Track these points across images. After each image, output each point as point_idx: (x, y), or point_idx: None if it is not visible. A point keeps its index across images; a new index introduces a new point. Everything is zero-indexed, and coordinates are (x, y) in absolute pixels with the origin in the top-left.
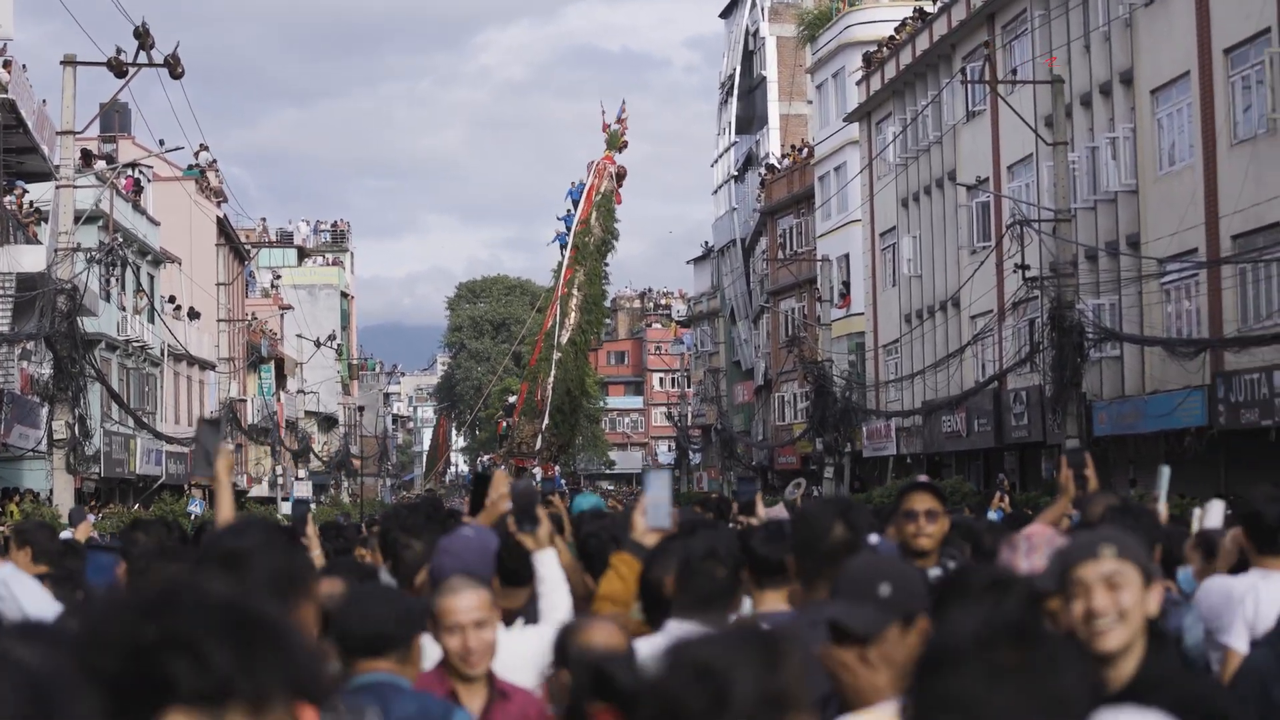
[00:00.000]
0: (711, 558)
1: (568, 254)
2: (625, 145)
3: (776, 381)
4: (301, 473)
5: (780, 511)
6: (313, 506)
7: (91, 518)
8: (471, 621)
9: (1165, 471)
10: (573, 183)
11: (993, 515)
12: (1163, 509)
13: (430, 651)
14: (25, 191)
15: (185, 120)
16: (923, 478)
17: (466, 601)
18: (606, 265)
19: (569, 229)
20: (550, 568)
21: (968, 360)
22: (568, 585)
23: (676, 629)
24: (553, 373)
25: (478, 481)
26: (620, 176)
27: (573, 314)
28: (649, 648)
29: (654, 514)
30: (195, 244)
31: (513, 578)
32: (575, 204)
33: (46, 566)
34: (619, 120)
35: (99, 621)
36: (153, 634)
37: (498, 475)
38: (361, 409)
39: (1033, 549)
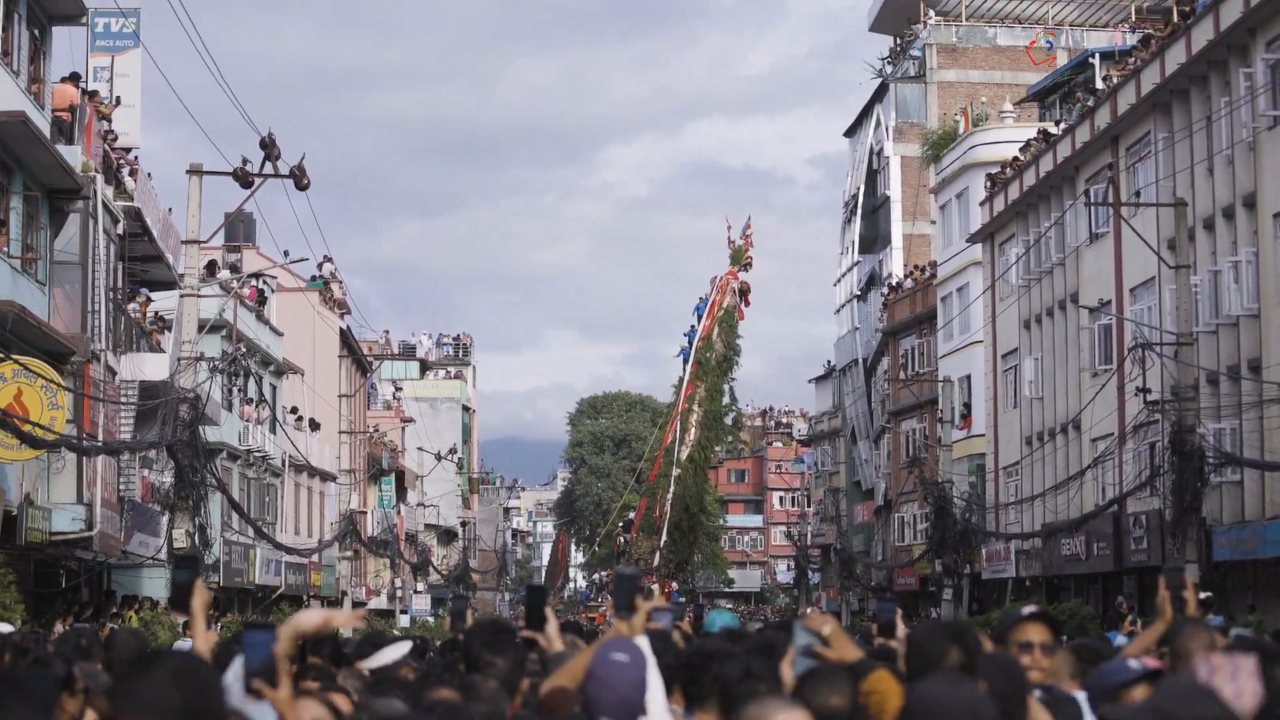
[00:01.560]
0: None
1: (689, 369)
2: (750, 262)
3: (896, 502)
4: (420, 586)
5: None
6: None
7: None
8: None
9: None
10: (700, 298)
11: (1122, 639)
12: None
13: None
14: (149, 300)
15: (309, 231)
16: (1030, 608)
17: None
18: (733, 379)
19: (692, 344)
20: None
21: (1088, 483)
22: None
23: None
24: (671, 489)
25: (530, 595)
26: (744, 292)
27: (693, 430)
28: None
29: (801, 666)
30: (318, 355)
31: None
32: (700, 319)
33: None
34: (744, 236)
35: None
36: None
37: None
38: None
39: (1238, 671)
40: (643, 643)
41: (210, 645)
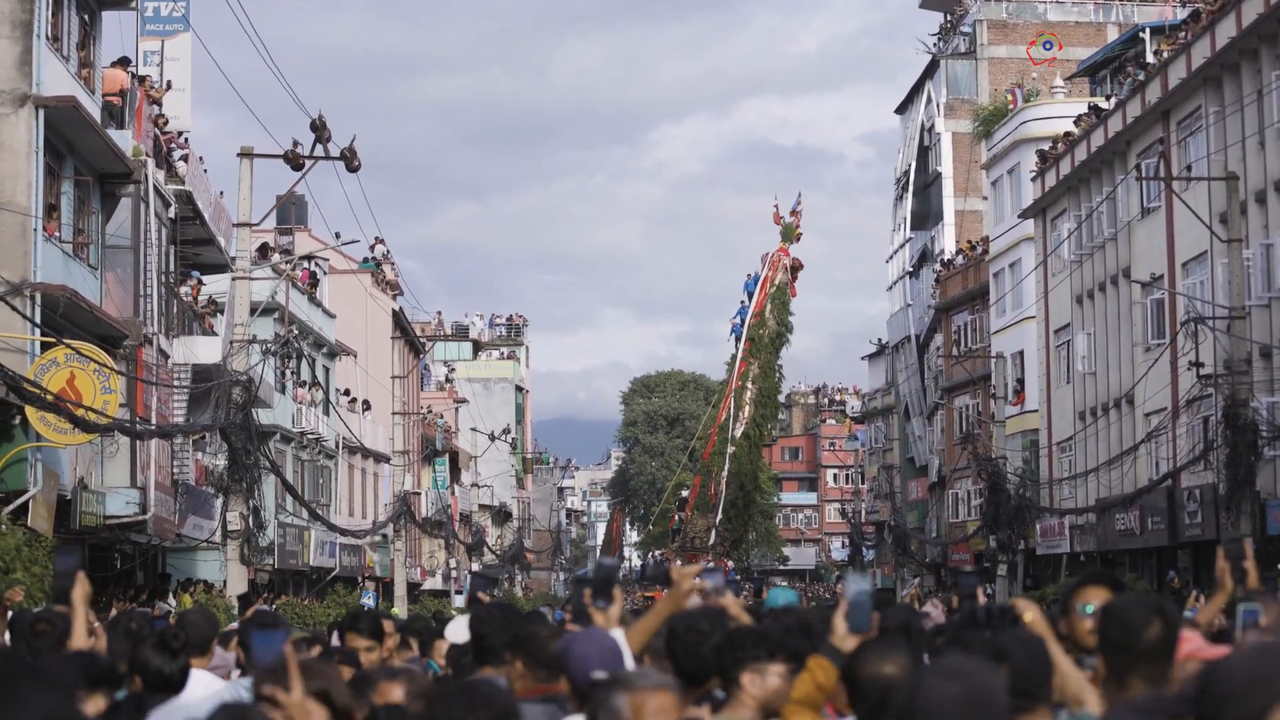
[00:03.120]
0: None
1: (742, 347)
2: (800, 236)
3: (950, 478)
4: (475, 566)
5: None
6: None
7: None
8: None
9: None
10: (749, 275)
11: (1187, 614)
12: None
13: None
14: (201, 283)
15: (361, 213)
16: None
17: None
18: (780, 359)
19: (744, 321)
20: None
21: (1141, 458)
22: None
23: None
24: (726, 466)
25: (601, 570)
26: (795, 269)
27: (747, 407)
28: None
29: (855, 618)
30: (371, 337)
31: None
32: (751, 296)
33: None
34: (793, 212)
35: None
36: None
37: (678, 570)
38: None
39: None
40: (615, 634)
41: (87, 639)
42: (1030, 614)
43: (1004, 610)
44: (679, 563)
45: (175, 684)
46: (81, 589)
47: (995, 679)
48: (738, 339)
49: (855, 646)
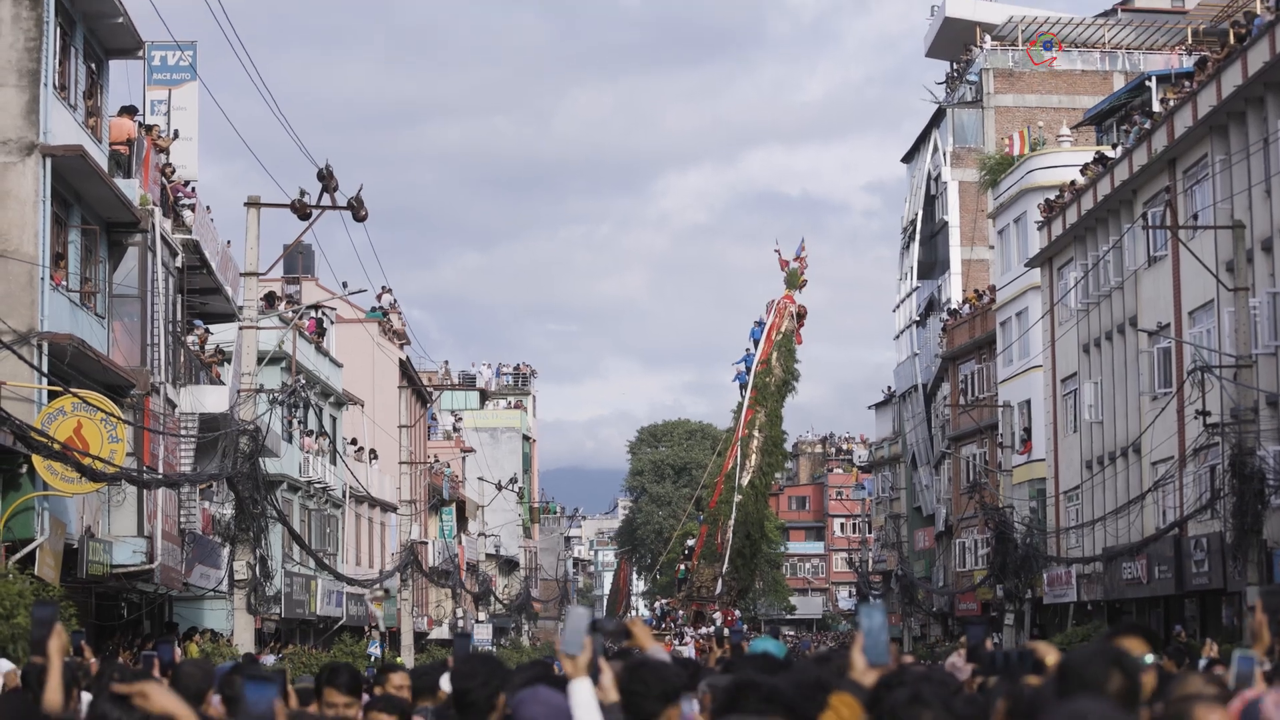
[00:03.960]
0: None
1: (748, 394)
2: (805, 283)
3: (957, 527)
4: (482, 615)
5: (960, 661)
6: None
7: (271, 658)
8: None
9: None
10: (755, 322)
11: (1202, 663)
12: None
13: None
14: (208, 332)
15: (368, 262)
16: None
17: None
18: (787, 405)
19: (749, 369)
20: (582, 695)
21: (1148, 506)
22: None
23: None
24: (733, 515)
25: (571, 623)
26: (801, 316)
27: (753, 455)
28: None
29: (872, 650)
30: (378, 386)
31: None
32: (756, 343)
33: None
34: (798, 258)
35: None
36: None
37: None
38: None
39: None
40: (582, 685)
41: (59, 693)
42: (1053, 657)
43: (1024, 655)
44: (680, 613)
45: None
46: (58, 640)
47: None
48: (743, 386)
49: (877, 680)
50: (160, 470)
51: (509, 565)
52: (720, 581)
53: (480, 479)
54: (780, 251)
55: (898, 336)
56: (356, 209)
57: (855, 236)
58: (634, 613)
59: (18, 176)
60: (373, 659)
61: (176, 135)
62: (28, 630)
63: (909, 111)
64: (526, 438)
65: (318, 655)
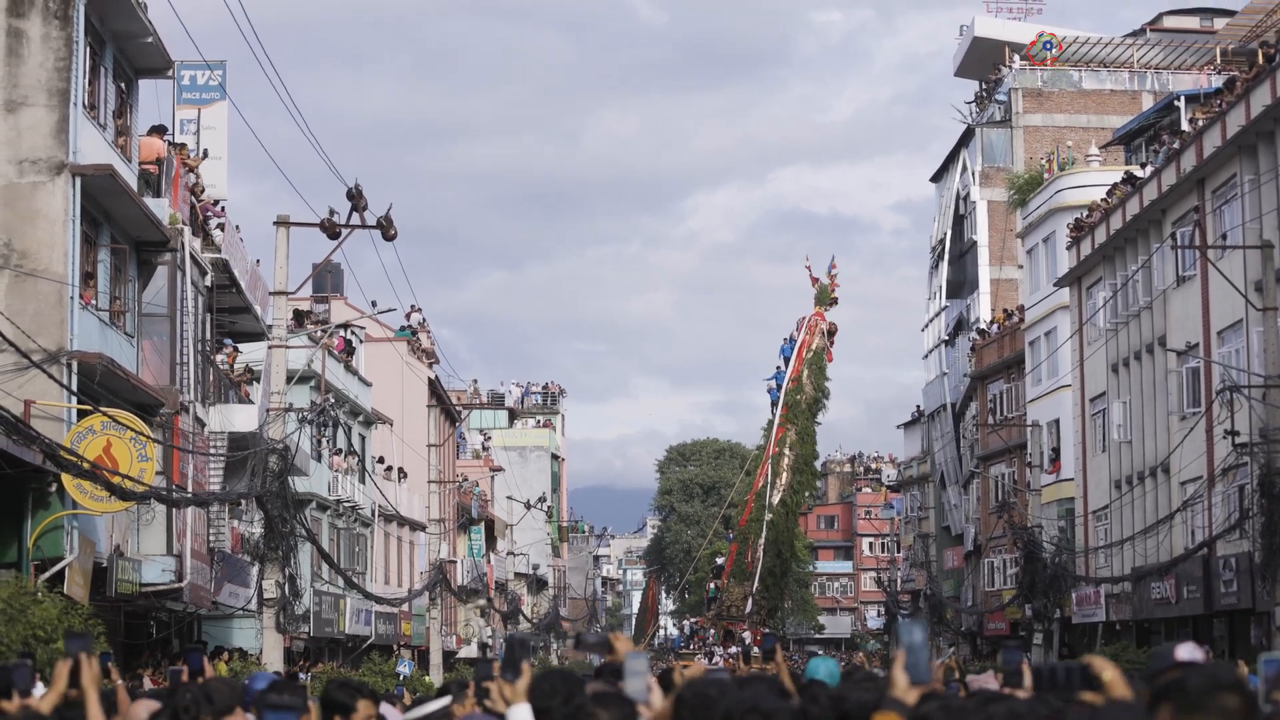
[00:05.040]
0: None
1: (779, 412)
2: (836, 301)
3: (986, 547)
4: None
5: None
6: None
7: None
8: None
9: None
10: (785, 339)
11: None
12: None
13: None
14: (238, 351)
15: (397, 280)
16: (1187, 646)
17: None
18: (818, 423)
19: (780, 386)
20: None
21: (1177, 526)
22: None
23: None
24: (764, 534)
25: (511, 644)
26: (831, 333)
27: (784, 474)
28: None
29: (914, 668)
30: (406, 405)
31: None
32: (786, 361)
33: None
34: (829, 275)
35: None
36: None
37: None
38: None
39: None
40: (520, 710)
41: None
42: (1110, 673)
43: (1082, 670)
44: (710, 632)
45: None
46: (89, 673)
47: None
48: (774, 404)
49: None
50: (189, 489)
51: (538, 583)
52: (750, 600)
53: (509, 498)
54: (811, 268)
55: (926, 356)
56: (385, 228)
57: (883, 256)
58: (663, 632)
59: (47, 196)
60: (402, 677)
61: (206, 154)
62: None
63: (937, 131)
64: (555, 456)
65: (346, 674)
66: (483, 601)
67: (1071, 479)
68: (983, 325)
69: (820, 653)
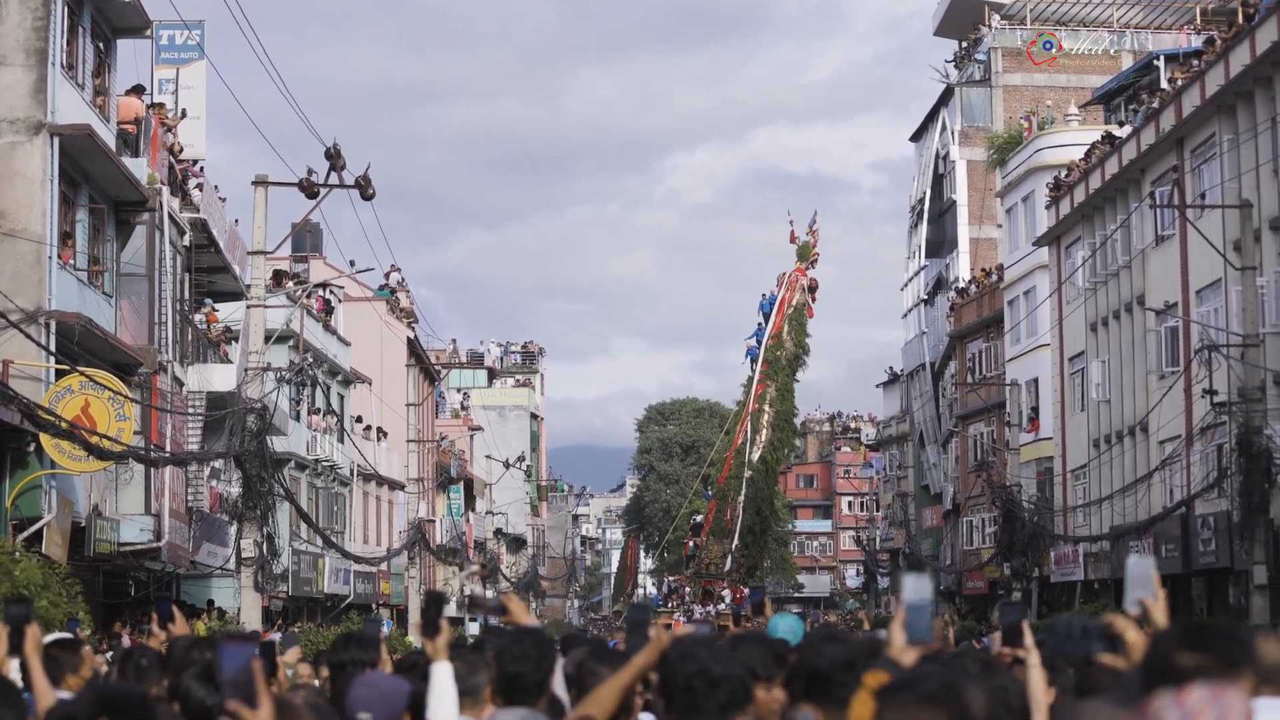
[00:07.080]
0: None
1: (759, 368)
2: (817, 257)
3: (965, 506)
4: (490, 593)
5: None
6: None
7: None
8: None
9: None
10: (763, 295)
11: None
12: None
13: None
14: (215, 311)
15: (375, 241)
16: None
17: None
18: (797, 381)
19: (759, 343)
20: (440, 679)
21: (1155, 485)
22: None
23: None
24: (743, 491)
25: (429, 600)
26: (812, 289)
27: (764, 430)
28: None
29: (914, 626)
30: (385, 364)
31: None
32: (766, 317)
33: None
34: (810, 231)
35: None
36: None
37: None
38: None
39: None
40: (441, 666)
41: (49, 699)
42: (1134, 634)
43: (1100, 629)
44: (688, 590)
45: (212, 717)
46: (33, 639)
47: None
48: (753, 361)
49: (913, 662)
50: (168, 449)
51: (516, 543)
52: (730, 558)
53: (488, 457)
54: (793, 224)
55: (905, 315)
56: (364, 187)
57: (863, 215)
58: (641, 591)
59: (25, 156)
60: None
61: (184, 114)
62: (41, 615)
63: (917, 91)
64: (534, 416)
65: (326, 633)
66: (475, 566)
67: (1050, 438)
68: (962, 284)
69: (796, 611)
